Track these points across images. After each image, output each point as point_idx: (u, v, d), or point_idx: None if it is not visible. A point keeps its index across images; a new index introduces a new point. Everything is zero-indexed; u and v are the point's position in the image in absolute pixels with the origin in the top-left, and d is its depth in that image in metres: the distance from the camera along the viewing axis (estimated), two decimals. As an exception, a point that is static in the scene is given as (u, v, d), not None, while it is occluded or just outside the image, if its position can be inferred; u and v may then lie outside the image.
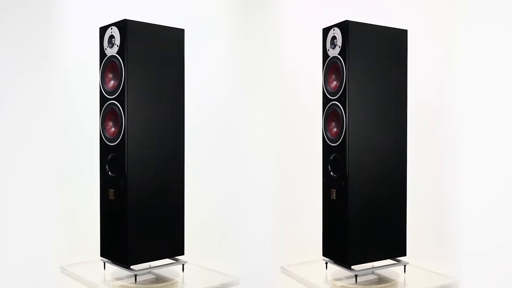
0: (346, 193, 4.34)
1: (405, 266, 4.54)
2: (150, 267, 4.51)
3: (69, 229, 5.17)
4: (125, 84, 4.28)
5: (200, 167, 5.36)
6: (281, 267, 4.77)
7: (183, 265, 4.57)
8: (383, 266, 4.55)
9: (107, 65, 4.43)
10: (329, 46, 4.50)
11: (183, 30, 4.50)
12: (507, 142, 4.52)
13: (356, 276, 4.40)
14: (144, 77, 4.35)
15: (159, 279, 4.45)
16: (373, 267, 4.53)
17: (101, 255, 4.55)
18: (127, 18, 4.31)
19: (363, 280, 4.44)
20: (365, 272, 4.47)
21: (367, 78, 4.38)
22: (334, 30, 4.44)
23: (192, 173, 5.05)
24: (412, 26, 4.88)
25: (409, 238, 4.74)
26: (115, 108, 4.35)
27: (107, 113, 4.43)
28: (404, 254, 4.53)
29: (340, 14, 5.16)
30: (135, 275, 4.37)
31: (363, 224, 4.39)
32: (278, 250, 4.98)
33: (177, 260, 4.60)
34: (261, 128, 5.13)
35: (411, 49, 4.77)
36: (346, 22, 4.35)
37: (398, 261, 4.55)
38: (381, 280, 4.45)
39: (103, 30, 4.46)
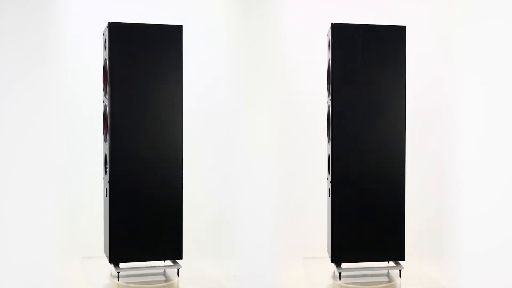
0: (332, 191, 4.39)
1: (400, 271, 4.45)
2: (140, 268, 4.51)
3: (72, 227, 5.19)
4: (112, 84, 4.34)
5: (201, 167, 5.36)
6: (303, 257, 4.85)
7: (178, 269, 4.49)
8: (376, 268, 4.52)
9: (104, 67, 4.50)
10: (328, 48, 4.53)
11: (181, 26, 4.44)
12: (507, 143, 4.51)
13: (340, 274, 4.42)
14: (131, 77, 4.36)
15: (151, 282, 4.44)
16: (364, 268, 4.51)
17: (104, 251, 4.62)
18: (111, 21, 4.34)
19: (366, 281, 4.45)
20: (353, 272, 4.49)
21: (355, 77, 4.36)
22: (329, 32, 4.48)
23: (193, 173, 5.06)
24: (413, 25, 4.87)
25: (409, 238, 4.72)
26: (106, 108, 4.44)
27: (105, 113, 4.50)
28: (402, 258, 4.44)
29: (341, 14, 5.17)
30: (118, 273, 4.41)
31: (352, 223, 4.37)
32: (277, 252, 4.98)
33: (175, 263, 4.53)
34: (262, 127, 5.12)
35: (413, 47, 4.77)
36: (332, 24, 4.39)
37: (398, 264, 4.49)
38: (374, 282, 4.45)
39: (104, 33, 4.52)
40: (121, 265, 4.47)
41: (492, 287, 4.34)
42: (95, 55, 4.78)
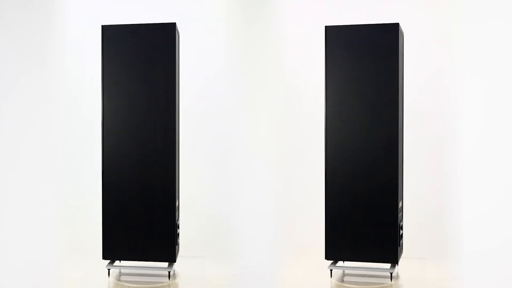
0: (326, 191, 4.48)
1: (391, 274, 4.43)
2: (137, 267, 4.56)
3: (71, 226, 5.22)
4: (103, 86, 4.41)
5: (201, 167, 5.36)
6: (303, 257, 4.87)
7: (169, 272, 4.48)
8: (368, 269, 4.52)
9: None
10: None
11: (174, 24, 4.41)
12: (507, 143, 4.50)
13: (331, 270, 4.48)
14: (125, 78, 4.39)
15: (150, 282, 4.45)
16: (361, 268, 4.53)
17: None
18: (104, 24, 4.39)
19: (365, 281, 4.46)
20: (353, 271, 4.52)
21: (347, 78, 4.41)
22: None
23: (193, 173, 5.06)
24: (414, 24, 4.87)
25: (409, 238, 4.73)
26: None
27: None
28: (395, 261, 4.40)
29: (342, 14, 5.17)
30: (108, 270, 4.48)
31: (346, 223, 4.41)
32: (278, 251, 4.98)
33: (170, 265, 4.51)
34: (263, 126, 5.12)
35: (413, 46, 4.76)
36: (325, 27, 4.46)
37: (392, 266, 4.45)
38: (373, 283, 4.44)
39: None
40: (120, 264, 4.51)
41: (492, 287, 4.33)
42: (95, 56, 4.79)
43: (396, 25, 4.38)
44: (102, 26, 4.37)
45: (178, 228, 4.53)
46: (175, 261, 4.44)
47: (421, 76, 5.08)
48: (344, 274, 4.58)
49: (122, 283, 4.39)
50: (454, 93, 4.96)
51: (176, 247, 4.43)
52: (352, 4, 5.34)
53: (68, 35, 5.21)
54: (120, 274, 4.57)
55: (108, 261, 4.53)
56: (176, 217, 4.44)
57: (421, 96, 5.09)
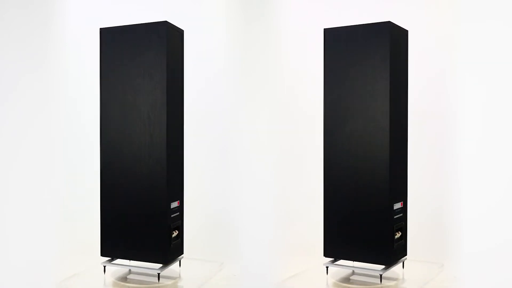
0: (325, 191, 4.58)
1: (381, 275, 4.44)
2: (130, 266, 4.62)
3: (71, 227, 5.21)
4: (101, 88, 4.48)
5: (201, 168, 5.36)
6: (303, 257, 4.93)
7: (158, 274, 4.48)
8: (361, 269, 4.55)
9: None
10: None
11: (165, 22, 4.41)
12: (507, 143, 4.49)
13: (327, 268, 4.55)
14: (118, 79, 4.43)
15: (149, 282, 4.47)
16: (354, 267, 4.59)
17: None
18: (103, 24, 4.46)
19: (366, 280, 4.47)
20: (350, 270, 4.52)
21: (345, 77, 4.47)
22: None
23: (192, 174, 5.06)
24: (413, 26, 4.87)
25: (409, 238, 4.72)
26: None
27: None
28: (388, 263, 4.42)
29: (340, 13, 5.16)
30: (104, 266, 4.57)
31: (342, 222, 4.48)
32: (278, 252, 4.98)
33: (164, 266, 4.51)
34: (263, 126, 5.12)
35: (412, 47, 4.76)
36: (324, 30, 4.53)
37: (386, 267, 4.47)
38: (372, 283, 4.45)
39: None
40: (116, 263, 4.55)
41: (492, 287, 4.32)
42: (95, 57, 4.79)
43: (388, 24, 4.38)
44: (100, 29, 4.41)
45: (177, 230, 4.52)
46: (166, 263, 4.44)
47: (422, 76, 5.09)
48: (353, 273, 4.59)
49: (121, 282, 4.40)
50: (454, 93, 4.96)
51: (169, 249, 4.42)
52: (351, 4, 5.34)
53: (68, 35, 5.21)
54: (130, 272, 4.59)
55: (106, 258, 4.55)
56: (170, 220, 4.43)
57: (421, 96, 5.09)
